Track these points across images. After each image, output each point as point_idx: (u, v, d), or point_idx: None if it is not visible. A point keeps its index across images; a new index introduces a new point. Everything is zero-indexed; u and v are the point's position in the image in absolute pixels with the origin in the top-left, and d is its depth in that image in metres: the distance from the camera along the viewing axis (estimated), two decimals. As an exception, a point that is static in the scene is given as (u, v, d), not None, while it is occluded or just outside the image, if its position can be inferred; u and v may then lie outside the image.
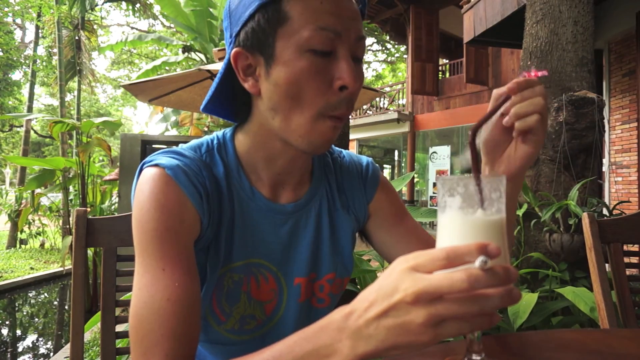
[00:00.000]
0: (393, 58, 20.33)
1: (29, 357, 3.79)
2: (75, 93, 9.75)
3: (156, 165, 0.60)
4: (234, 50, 0.61)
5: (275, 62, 0.58)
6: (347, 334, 0.39)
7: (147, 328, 0.52)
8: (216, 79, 0.65)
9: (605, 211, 2.73)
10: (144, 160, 0.62)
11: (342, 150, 0.82)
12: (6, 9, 11.95)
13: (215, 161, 0.66)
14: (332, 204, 0.75)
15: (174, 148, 0.65)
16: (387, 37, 15.10)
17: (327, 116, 0.59)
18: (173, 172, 0.59)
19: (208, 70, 3.43)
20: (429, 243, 0.77)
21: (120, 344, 0.91)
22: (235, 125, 0.72)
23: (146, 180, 0.59)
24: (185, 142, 0.69)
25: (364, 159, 0.82)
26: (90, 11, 9.31)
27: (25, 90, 12.71)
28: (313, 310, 0.74)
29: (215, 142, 0.69)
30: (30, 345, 4.04)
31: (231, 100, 0.69)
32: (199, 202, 0.60)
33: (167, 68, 9.65)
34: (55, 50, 8.81)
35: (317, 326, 0.42)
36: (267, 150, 0.66)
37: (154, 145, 3.81)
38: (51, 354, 3.72)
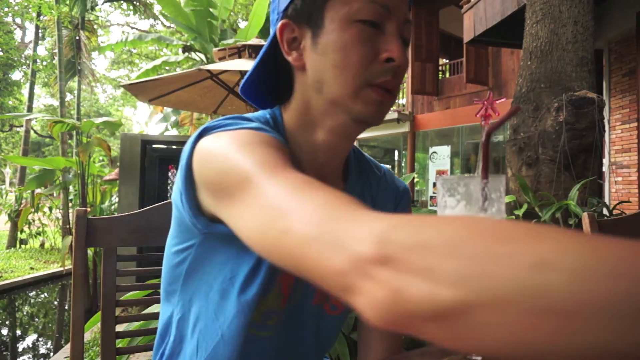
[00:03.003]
0: (393, 58, 20.29)
1: (29, 357, 3.79)
2: (75, 93, 9.75)
3: (227, 130, 0.54)
4: (281, 22, 0.60)
5: (323, 32, 0.58)
6: None
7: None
8: (258, 57, 0.64)
9: (605, 211, 2.73)
10: (203, 127, 0.55)
11: (385, 168, 0.80)
12: (6, 9, 11.95)
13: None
14: None
15: (235, 115, 0.59)
16: (387, 37, 15.07)
17: (372, 85, 0.58)
18: (257, 127, 0.55)
19: (208, 70, 3.43)
20: None
21: (120, 344, 0.91)
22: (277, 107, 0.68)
23: (224, 136, 0.53)
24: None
25: (402, 183, 0.81)
26: (90, 11, 9.31)
27: (25, 90, 12.72)
28: (326, 317, 0.70)
29: (269, 117, 0.65)
30: (30, 345, 4.04)
31: (272, 78, 0.67)
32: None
33: (167, 68, 9.66)
34: (56, 50, 8.81)
35: None
36: (311, 132, 0.64)
37: (154, 145, 3.81)
38: (51, 354, 3.72)
